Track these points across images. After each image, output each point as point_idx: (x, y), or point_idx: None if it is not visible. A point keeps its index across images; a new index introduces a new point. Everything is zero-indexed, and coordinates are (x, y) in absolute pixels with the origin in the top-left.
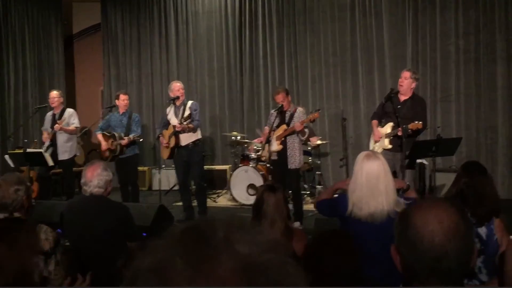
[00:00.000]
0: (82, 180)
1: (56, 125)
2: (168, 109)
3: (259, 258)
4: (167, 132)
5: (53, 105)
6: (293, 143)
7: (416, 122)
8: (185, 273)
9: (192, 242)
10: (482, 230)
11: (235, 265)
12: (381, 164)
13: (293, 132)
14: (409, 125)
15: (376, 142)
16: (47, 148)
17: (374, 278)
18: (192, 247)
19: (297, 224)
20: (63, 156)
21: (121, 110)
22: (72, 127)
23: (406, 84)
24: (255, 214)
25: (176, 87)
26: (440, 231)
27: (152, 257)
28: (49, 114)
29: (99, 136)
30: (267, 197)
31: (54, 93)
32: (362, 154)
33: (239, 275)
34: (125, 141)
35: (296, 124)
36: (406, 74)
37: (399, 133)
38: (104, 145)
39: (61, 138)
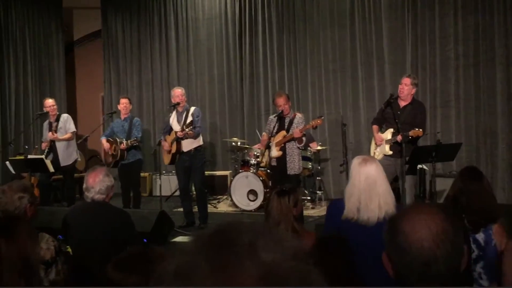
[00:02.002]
0: (84, 186)
1: (49, 133)
2: (171, 115)
3: (282, 266)
4: (169, 138)
5: (51, 113)
6: (292, 149)
7: (417, 129)
8: (208, 279)
9: (217, 247)
10: (480, 236)
11: (257, 272)
12: (378, 167)
13: (292, 139)
14: (409, 132)
15: (378, 146)
16: (47, 154)
17: (371, 281)
18: (216, 253)
19: None
20: (64, 162)
21: (122, 115)
22: (68, 133)
23: (406, 90)
24: (266, 215)
25: (177, 93)
26: (428, 236)
27: (178, 260)
28: (45, 123)
29: (104, 141)
30: (272, 200)
31: (51, 101)
32: (359, 159)
33: (261, 283)
34: (123, 145)
35: (295, 131)
36: (406, 80)
37: (399, 140)
38: (106, 148)
39: (60, 145)
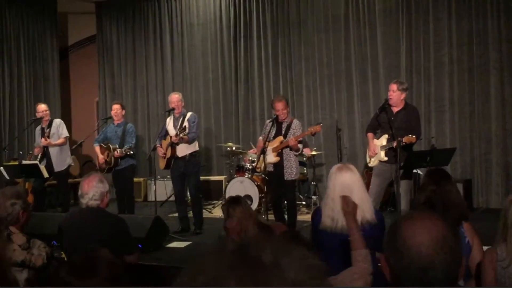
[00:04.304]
0: (79, 192)
1: (43, 139)
2: (168, 120)
3: (307, 284)
4: (165, 142)
5: (44, 118)
6: (289, 154)
7: (410, 135)
8: None
9: (243, 264)
10: None
11: None
12: (354, 174)
13: (287, 146)
14: (403, 139)
15: (371, 157)
16: (40, 160)
17: None
18: (244, 269)
19: None
20: (58, 167)
21: (115, 121)
22: (61, 138)
23: (395, 96)
24: (227, 231)
25: (173, 99)
26: (428, 242)
27: (205, 275)
28: (38, 129)
29: (97, 149)
30: (232, 211)
31: (43, 106)
32: (335, 167)
33: None
34: (117, 153)
35: (290, 139)
36: (393, 87)
37: (394, 146)
38: (101, 158)
39: (53, 150)
